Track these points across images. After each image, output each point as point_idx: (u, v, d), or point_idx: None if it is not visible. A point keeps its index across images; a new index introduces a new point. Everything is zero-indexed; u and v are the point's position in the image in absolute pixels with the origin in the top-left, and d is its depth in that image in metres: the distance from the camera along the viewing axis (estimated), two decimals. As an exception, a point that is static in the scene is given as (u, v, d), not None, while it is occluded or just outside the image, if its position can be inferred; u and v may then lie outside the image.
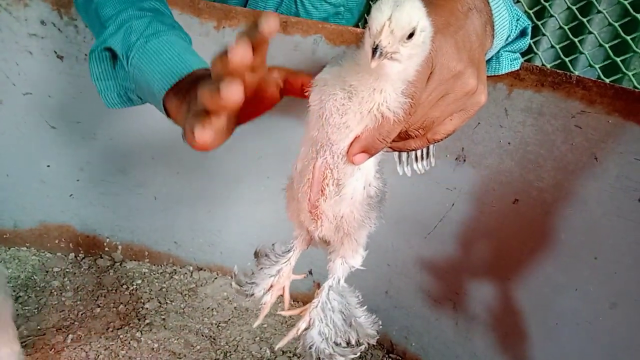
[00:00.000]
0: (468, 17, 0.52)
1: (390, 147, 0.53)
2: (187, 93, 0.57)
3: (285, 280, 0.63)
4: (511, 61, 0.70)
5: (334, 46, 0.89)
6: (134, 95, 0.71)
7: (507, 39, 0.64)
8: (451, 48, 0.48)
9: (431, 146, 0.59)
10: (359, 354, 0.57)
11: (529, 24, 0.65)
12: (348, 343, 0.57)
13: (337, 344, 0.55)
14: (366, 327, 0.57)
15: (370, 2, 1.29)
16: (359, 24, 1.25)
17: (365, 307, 0.55)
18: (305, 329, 0.57)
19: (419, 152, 0.62)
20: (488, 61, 0.69)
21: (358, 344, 0.57)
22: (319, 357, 0.55)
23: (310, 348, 0.56)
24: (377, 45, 0.40)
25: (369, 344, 0.58)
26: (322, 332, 0.56)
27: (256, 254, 0.64)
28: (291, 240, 0.63)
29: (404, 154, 0.63)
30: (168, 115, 0.62)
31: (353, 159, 0.48)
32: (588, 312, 0.73)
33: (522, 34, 0.66)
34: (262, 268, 0.62)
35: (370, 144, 0.47)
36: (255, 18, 0.96)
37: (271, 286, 0.62)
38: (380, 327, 0.59)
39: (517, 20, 0.64)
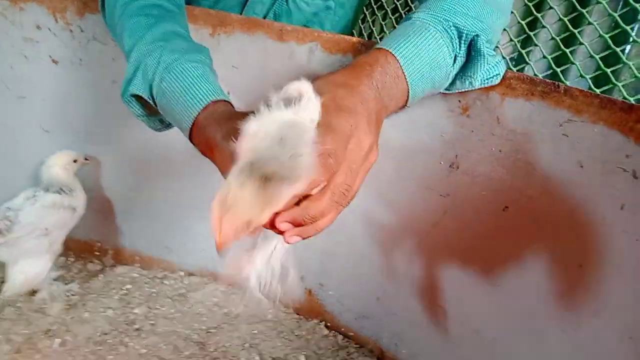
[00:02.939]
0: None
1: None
2: (205, 142, 0.59)
3: None
4: (485, 80, 0.70)
5: (330, 54, 0.90)
6: None
7: (454, 64, 0.66)
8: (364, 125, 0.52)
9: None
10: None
11: (476, 35, 0.65)
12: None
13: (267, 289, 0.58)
14: (296, 287, 0.59)
15: None
16: (355, 23, 1.26)
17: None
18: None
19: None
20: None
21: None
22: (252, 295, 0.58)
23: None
24: None
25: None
26: (260, 275, 0.58)
27: None
28: None
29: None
30: (196, 146, 0.64)
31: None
32: (572, 320, 0.74)
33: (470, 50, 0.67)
34: None
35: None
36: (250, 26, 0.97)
37: None
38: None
39: (460, 37, 0.65)
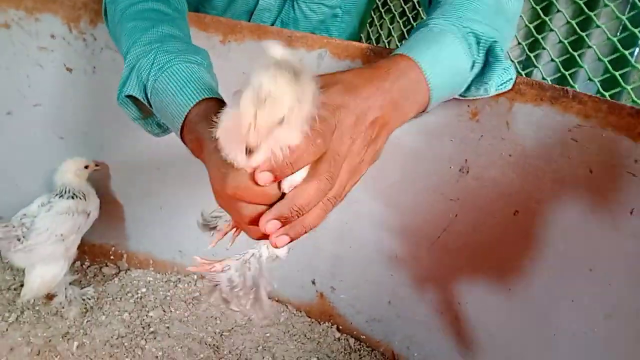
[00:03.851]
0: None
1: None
2: (195, 139, 0.58)
3: None
4: (499, 85, 0.71)
5: (339, 60, 0.91)
6: None
7: (471, 70, 0.66)
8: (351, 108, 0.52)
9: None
10: (245, 315, 0.60)
11: (495, 41, 0.66)
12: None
13: (237, 296, 0.58)
14: (265, 305, 0.59)
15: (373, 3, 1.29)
16: (362, 28, 1.26)
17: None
18: (219, 270, 0.59)
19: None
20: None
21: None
22: (220, 297, 0.59)
23: (215, 286, 0.59)
24: (248, 147, 0.41)
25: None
26: (231, 279, 0.58)
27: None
28: None
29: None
30: (187, 147, 0.63)
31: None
32: (584, 323, 0.74)
33: (489, 55, 0.67)
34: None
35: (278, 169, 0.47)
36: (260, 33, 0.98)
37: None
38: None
39: (478, 43, 0.66)
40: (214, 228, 0.65)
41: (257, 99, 0.39)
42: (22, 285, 1.03)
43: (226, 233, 0.64)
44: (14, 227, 0.96)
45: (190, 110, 0.60)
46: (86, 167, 1.09)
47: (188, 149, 0.62)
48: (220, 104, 0.61)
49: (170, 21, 0.75)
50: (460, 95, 0.71)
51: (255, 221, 0.49)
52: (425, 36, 0.64)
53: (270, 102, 0.39)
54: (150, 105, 0.66)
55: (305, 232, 0.51)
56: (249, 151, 0.42)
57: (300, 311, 1.17)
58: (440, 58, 0.62)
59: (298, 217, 0.49)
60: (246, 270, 0.59)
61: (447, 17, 0.66)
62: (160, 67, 0.64)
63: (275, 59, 0.40)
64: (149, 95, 0.65)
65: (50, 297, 1.06)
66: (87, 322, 1.06)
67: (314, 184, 0.48)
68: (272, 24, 1.10)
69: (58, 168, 1.08)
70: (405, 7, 1.55)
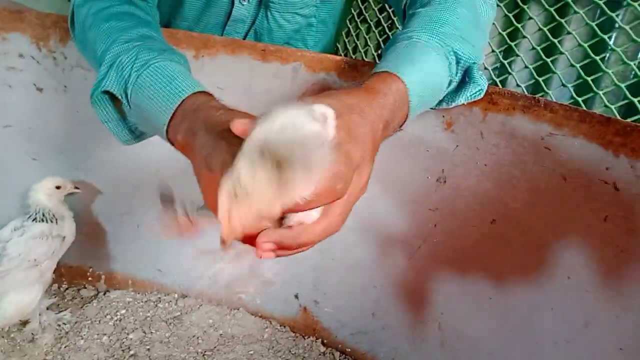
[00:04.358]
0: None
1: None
2: (188, 128, 0.56)
3: None
4: (470, 96, 0.71)
5: (314, 73, 0.91)
6: (144, 129, 0.69)
7: (448, 86, 0.67)
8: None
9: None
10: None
11: (473, 62, 0.66)
12: None
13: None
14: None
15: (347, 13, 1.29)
16: (338, 37, 1.26)
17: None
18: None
19: None
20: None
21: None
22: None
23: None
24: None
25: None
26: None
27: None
28: None
29: None
30: (174, 147, 0.60)
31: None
32: (564, 331, 0.74)
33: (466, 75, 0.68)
34: None
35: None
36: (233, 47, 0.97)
37: None
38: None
39: (458, 63, 0.66)
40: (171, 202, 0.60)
41: (233, 192, 0.37)
42: (-6, 313, 1.00)
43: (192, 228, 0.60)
44: None
45: (184, 100, 0.57)
46: (57, 187, 1.05)
47: (172, 143, 0.59)
48: (208, 95, 0.60)
49: (147, 24, 0.73)
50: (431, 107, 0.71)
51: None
52: (409, 51, 0.64)
53: (245, 197, 0.37)
54: (128, 104, 0.64)
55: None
56: (223, 242, 0.41)
57: (284, 326, 1.15)
58: (423, 76, 0.61)
59: (296, 250, 0.48)
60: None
61: (430, 32, 0.65)
62: (144, 64, 0.62)
63: (263, 141, 0.37)
64: (128, 92, 0.62)
65: (24, 323, 1.03)
66: (64, 347, 1.03)
67: (324, 226, 0.47)
68: (246, 35, 1.10)
69: (30, 188, 1.05)
70: (380, 17, 1.55)
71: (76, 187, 1.08)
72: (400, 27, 0.92)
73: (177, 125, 0.58)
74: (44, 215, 1.01)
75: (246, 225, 0.40)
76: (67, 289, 1.20)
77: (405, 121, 0.63)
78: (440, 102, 0.70)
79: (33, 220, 1.00)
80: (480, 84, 0.69)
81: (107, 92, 0.66)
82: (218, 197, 0.39)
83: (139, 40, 0.66)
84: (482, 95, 0.73)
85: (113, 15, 0.72)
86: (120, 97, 0.64)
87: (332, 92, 0.54)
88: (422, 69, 0.61)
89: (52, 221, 1.02)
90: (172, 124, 0.58)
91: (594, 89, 1.03)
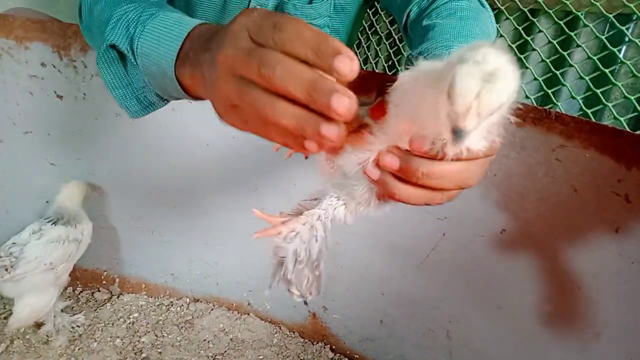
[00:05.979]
0: None
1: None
2: (195, 56, 0.52)
3: None
4: None
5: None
6: (152, 95, 0.67)
7: None
8: None
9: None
10: (300, 299, 0.53)
11: None
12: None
13: (298, 273, 0.51)
14: (320, 285, 0.53)
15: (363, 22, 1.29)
16: (351, 47, 1.28)
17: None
18: (286, 236, 0.52)
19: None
20: None
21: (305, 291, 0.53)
22: (284, 278, 0.51)
23: (280, 263, 0.51)
24: (461, 130, 0.34)
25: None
26: (297, 252, 0.51)
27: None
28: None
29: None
30: (187, 91, 0.58)
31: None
32: (574, 342, 0.75)
33: None
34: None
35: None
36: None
37: None
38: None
39: None
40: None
41: (481, 76, 0.33)
42: (12, 314, 1.02)
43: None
44: (0, 257, 0.95)
45: (191, 31, 0.55)
46: (80, 191, 1.09)
47: (182, 85, 0.56)
48: (215, 25, 0.56)
49: (157, 4, 0.72)
50: None
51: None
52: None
53: (498, 82, 0.33)
54: (134, 59, 0.62)
55: (390, 198, 0.45)
56: (456, 133, 0.35)
57: (294, 332, 1.16)
58: None
59: (415, 180, 0.42)
60: (312, 240, 0.52)
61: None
62: (150, 15, 0.61)
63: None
64: (135, 44, 0.61)
65: (39, 325, 1.05)
66: (78, 349, 1.05)
67: (458, 167, 0.42)
68: None
69: (59, 191, 1.08)
70: (391, 28, 1.57)
71: (93, 190, 1.11)
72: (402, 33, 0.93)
73: (184, 56, 0.55)
74: (64, 218, 1.04)
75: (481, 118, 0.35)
76: (81, 291, 1.22)
77: None
78: None
79: (52, 224, 1.03)
80: None
81: (114, 48, 0.65)
82: (457, 81, 0.34)
83: (145, 1, 0.67)
84: None
85: None
86: (126, 52, 0.63)
87: None
88: None
89: (71, 225, 1.04)
90: (180, 57, 0.55)
91: (604, 101, 1.04)
